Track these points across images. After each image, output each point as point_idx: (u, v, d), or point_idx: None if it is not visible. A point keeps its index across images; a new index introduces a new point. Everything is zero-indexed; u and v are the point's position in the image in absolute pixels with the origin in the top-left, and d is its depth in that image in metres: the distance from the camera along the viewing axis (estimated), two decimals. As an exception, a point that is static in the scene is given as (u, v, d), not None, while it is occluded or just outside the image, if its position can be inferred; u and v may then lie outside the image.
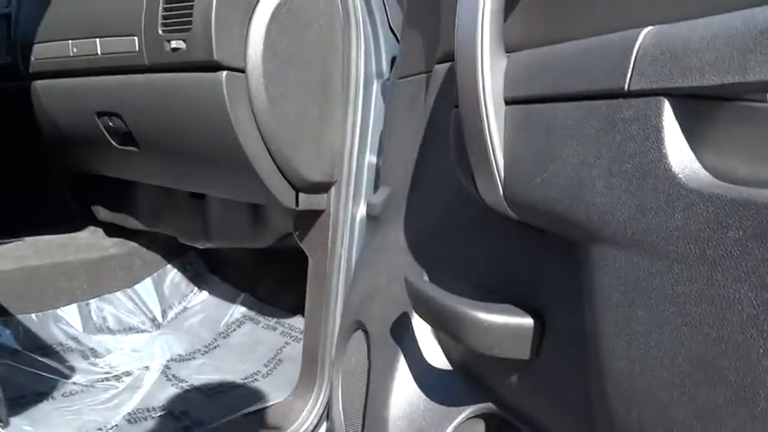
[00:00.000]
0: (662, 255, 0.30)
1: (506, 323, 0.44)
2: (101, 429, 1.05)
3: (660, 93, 0.32)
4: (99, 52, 1.08)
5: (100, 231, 1.71)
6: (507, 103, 0.46)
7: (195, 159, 1.08)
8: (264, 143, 0.96)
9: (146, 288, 1.57)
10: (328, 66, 1.01)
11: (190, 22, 0.91)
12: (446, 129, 0.64)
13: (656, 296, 0.30)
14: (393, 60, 1.08)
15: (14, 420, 1.05)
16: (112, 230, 1.67)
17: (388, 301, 0.69)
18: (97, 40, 1.08)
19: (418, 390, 0.57)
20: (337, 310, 1.07)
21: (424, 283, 0.53)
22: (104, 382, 1.24)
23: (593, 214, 0.34)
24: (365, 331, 0.71)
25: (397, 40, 1.09)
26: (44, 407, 1.10)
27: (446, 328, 0.50)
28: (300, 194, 1.04)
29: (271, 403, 1.12)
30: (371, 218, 0.83)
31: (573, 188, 0.36)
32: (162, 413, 1.12)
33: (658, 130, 0.32)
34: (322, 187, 1.06)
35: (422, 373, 0.58)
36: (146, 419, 1.10)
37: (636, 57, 0.34)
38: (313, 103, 1.01)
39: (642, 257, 0.31)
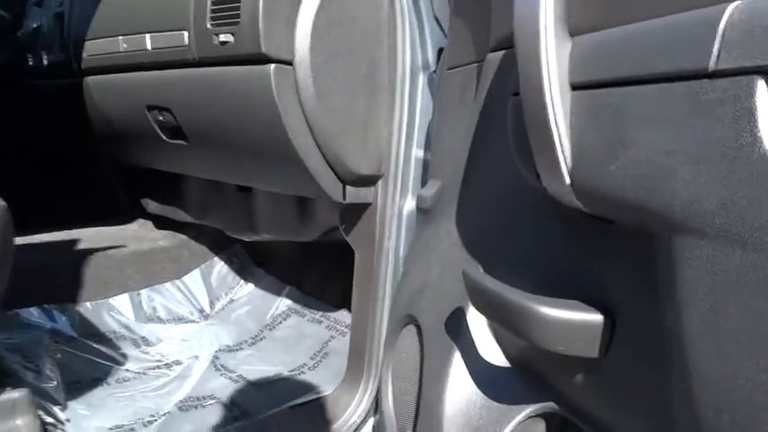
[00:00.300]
0: (756, 246, 0.28)
1: (573, 319, 0.42)
2: (153, 416, 1.07)
3: (752, 71, 0.30)
4: (149, 47, 1.09)
5: (149, 224, 1.75)
6: (573, 88, 0.44)
7: (243, 152, 1.09)
8: (312, 136, 0.96)
9: (194, 279, 1.59)
10: (374, 58, 1.00)
11: (238, 16, 0.91)
12: (502, 118, 0.62)
13: (749, 291, 0.28)
14: (440, 52, 1.06)
15: (71, 404, 1.08)
16: (161, 223, 1.71)
17: (440, 295, 0.68)
18: (147, 35, 1.09)
19: (475, 387, 0.55)
20: (385, 304, 1.06)
21: (484, 277, 0.52)
22: (156, 370, 1.26)
23: (676, 204, 0.32)
24: (417, 326, 0.69)
25: (443, 32, 1.07)
26: (99, 392, 1.13)
27: (507, 323, 0.48)
28: (347, 187, 1.04)
29: (317, 396, 1.12)
30: (422, 211, 0.81)
31: (652, 176, 0.34)
32: (212, 402, 1.13)
33: (751, 111, 0.29)
34: (369, 180, 1.05)
35: (478, 369, 0.56)
36: (196, 408, 1.11)
37: (723, 33, 0.31)
38: (360, 96, 1.00)
39: (733, 249, 0.29)
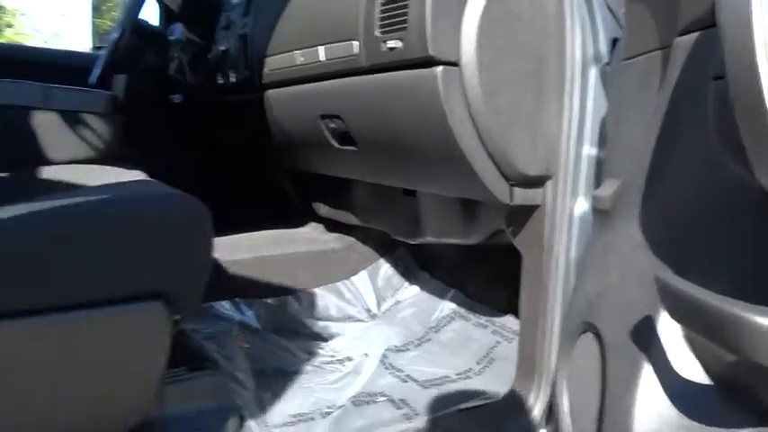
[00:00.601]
0: None
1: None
2: (330, 408, 1.13)
3: None
4: (322, 59, 1.16)
5: (320, 227, 1.86)
6: (796, 67, 0.38)
7: (409, 156, 1.11)
8: (479, 137, 0.95)
9: (362, 280, 1.66)
10: (542, 53, 0.96)
11: (405, 21, 0.93)
12: (697, 106, 0.56)
13: None
14: (613, 42, 0.99)
15: (258, 391, 1.17)
16: (331, 226, 1.81)
17: (623, 301, 0.63)
18: (320, 47, 1.16)
19: (669, 403, 0.50)
20: (556, 310, 1.02)
21: (682, 282, 0.47)
22: (330, 365, 1.33)
23: None
24: (596, 334, 0.65)
25: (617, 21, 1.01)
26: (281, 381, 1.22)
27: (711, 333, 0.43)
28: (515, 189, 1.01)
29: (485, 401, 1.11)
30: (598, 213, 0.76)
31: None
32: (382, 399, 1.17)
33: None
34: (538, 181, 1.01)
35: (673, 384, 0.51)
36: (368, 403, 1.15)
37: None
38: (527, 93, 0.97)
39: None
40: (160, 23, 2.32)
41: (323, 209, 1.76)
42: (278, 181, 1.92)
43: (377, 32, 0.99)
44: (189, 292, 0.86)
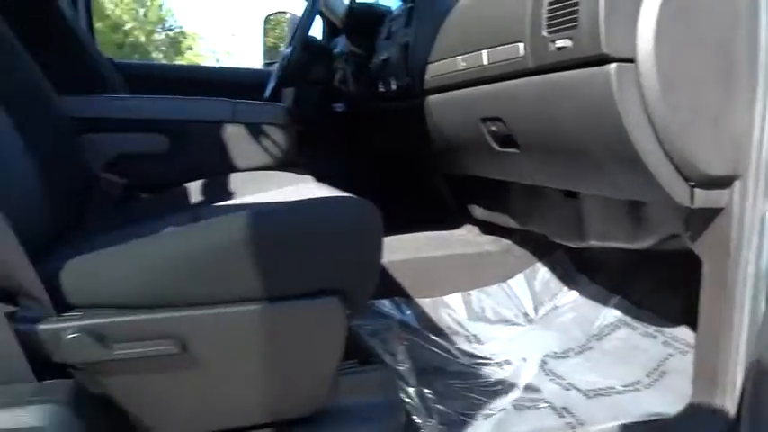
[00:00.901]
0: None
1: None
2: (491, 410, 1.13)
3: None
4: (485, 63, 1.16)
5: (476, 229, 1.87)
6: None
7: (575, 157, 1.08)
8: (656, 136, 0.90)
9: (518, 283, 1.64)
10: (730, 45, 0.89)
11: (576, 20, 0.91)
12: None
13: None
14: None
15: (420, 388, 1.21)
16: (487, 228, 1.81)
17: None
18: (483, 51, 1.17)
19: None
20: (743, 322, 0.93)
21: None
22: (488, 367, 1.33)
23: None
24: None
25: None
26: (442, 380, 1.25)
27: None
28: (696, 190, 0.94)
29: (658, 417, 1.04)
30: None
31: None
32: (544, 405, 1.15)
33: None
34: (722, 182, 0.93)
35: None
36: (529, 408, 1.14)
37: None
38: (711, 89, 0.90)
39: None
40: (323, 37, 2.49)
41: (478, 211, 1.77)
42: (434, 184, 1.96)
43: (544, 33, 0.98)
44: (362, 290, 0.91)
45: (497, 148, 1.29)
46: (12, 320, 0.73)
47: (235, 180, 1.33)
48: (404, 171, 2.11)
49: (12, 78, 1.04)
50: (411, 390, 1.18)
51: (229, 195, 1.24)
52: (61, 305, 0.78)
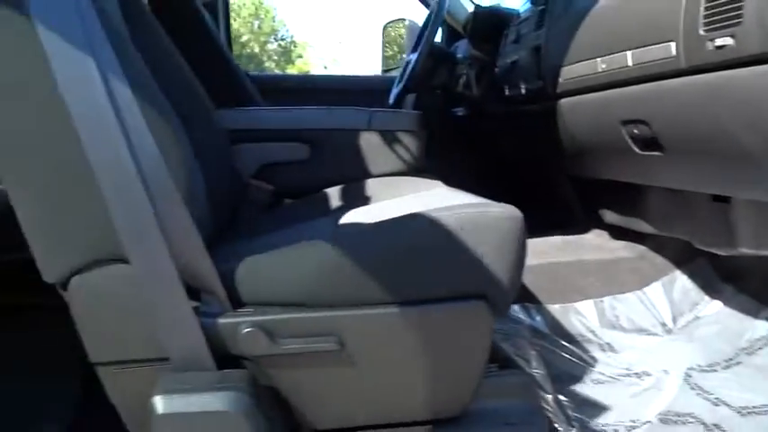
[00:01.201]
0: None
1: None
2: (634, 422, 1.10)
3: None
4: (630, 64, 1.13)
5: (605, 234, 1.81)
6: None
7: (732, 160, 1.02)
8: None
9: (655, 292, 1.57)
10: None
11: (740, 16, 0.86)
12: None
13: None
14: None
15: (556, 396, 1.20)
16: (618, 233, 1.74)
17: None
18: (628, 52, 1.13)
19: None
20: None
21: None
22: (626, 378, 1.29)
23: None
24: None
25: None
26: (580, 388, 1.23)
27: None
28: None
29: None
30: None
31: None
32: (692, 421, 1.10)
33: None
34: None
35: None
36: (676, 423, 1.10)
37: None
38: None
39: None
40: (441, 41, 2.51)
41: (610, 215, 1.71)
42: (558, 187, 1.92)
43: (701, 31, 0.94)
44: (506, 295, 0.92)
45: (638, 151, 1.25)
46: (197, 315, 0.81)
47: (371, 186, 1.38)
48: (527, 174, 2.09)
49: (181, 89, 1.14)
50: (548, 396, 1.17)
51: (368, 200, 1.29)
52: (234, 302, 0.85)
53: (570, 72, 1.38)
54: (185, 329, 0.80)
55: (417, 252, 0.85)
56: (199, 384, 0.79)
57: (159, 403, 0.76)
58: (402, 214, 0.90)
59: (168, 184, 0.77)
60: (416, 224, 0.86)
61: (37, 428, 1.15)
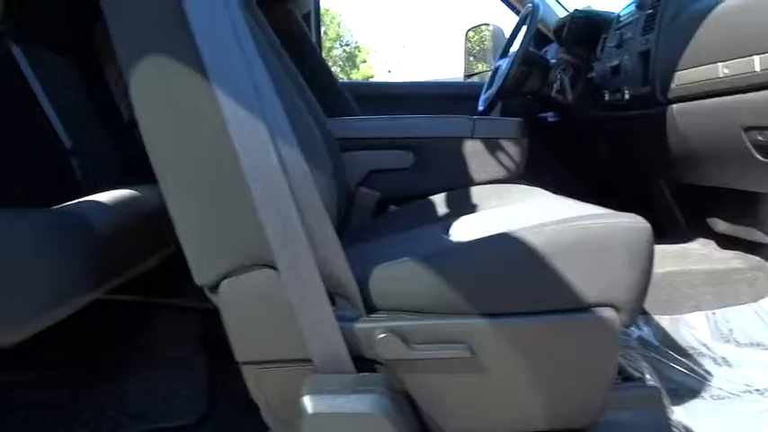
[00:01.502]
0: None
1: None
2: (762, 441, 1.06)
3: None
4: (758, 69, 1.09)
5: (711, 243, 1.74)
6: None
7: None
8: None
9: (772, 305, 1.50)
10: None
11: None
12: None
13: None
14: None
15: (674, 409, 1.17)
16: (727, 243, 1.68)
17: None
18: (755, 57, 1.10)
19: None
20: None
21: None
22: (748, 394, 1.24)
23: None
24: None
25: None
26: (697, 403, 1.19)
27: None
28: None
29: None
30: None
31: None
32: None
33: None
34: None
35: None
36: (811, 444, 1.05)
37: None
38: None
39: None
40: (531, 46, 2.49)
41: (721, 225, 1.65)
42: (659, 194, 1.87)
43: None
44: (634, 304, 0.91)
45: (761, 158, 1.20)
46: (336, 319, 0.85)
47: (475, 193, 1.39)
48: (624, 180, 2.04)
49: (304, 98, 1.19)
50: (670, 410, 1.14)
51: (474, 208, 1.30)
52: (368, 307, 0.88)
53: (684, 77, 1.34)
54: (327, 333, 0.83)
55: (547, 262, 0.85)
56: (341, 386, 0.82)
57: (309, 403, 0.79)
58: (527, 224, 0.90)
59: (313, 194, 0.80)
60: (545, 234, 0.87)
61: (175, 416, 1.22)
